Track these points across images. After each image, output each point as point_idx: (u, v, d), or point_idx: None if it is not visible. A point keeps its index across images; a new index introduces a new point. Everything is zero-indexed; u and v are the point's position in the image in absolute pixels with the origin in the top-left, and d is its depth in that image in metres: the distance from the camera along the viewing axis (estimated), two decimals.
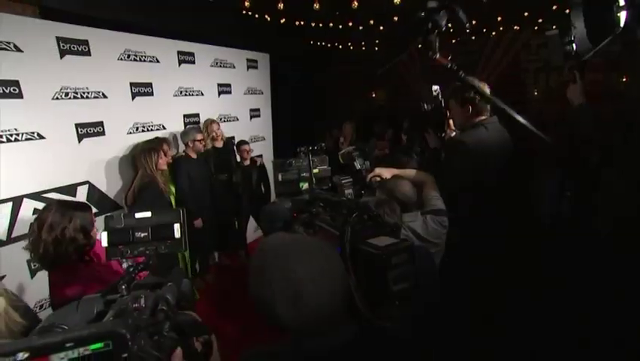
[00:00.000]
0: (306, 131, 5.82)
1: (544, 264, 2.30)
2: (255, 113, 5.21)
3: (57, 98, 2.87)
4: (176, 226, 1.04)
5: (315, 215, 1.00)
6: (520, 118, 0.98)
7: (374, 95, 7.35)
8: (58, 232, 1.60)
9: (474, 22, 4.82)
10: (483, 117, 1.90)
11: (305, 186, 1.91)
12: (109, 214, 1.06)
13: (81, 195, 3.08)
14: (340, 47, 6.59)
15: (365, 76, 7.04)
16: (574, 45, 1.42)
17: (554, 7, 3.92)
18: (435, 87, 2.02)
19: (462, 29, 5.34)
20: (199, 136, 3.70)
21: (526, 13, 4.41)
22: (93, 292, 0.87)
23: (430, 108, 2.03)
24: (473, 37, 5.96)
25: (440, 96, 2.04)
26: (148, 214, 1.05)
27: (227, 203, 4.11)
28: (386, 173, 1.80)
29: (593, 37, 1.33)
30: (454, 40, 6.12)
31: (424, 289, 0.76)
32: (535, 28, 5.24)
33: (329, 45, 6.48)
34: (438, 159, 1.99)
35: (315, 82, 6.99)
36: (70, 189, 3.00)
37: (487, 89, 1.95)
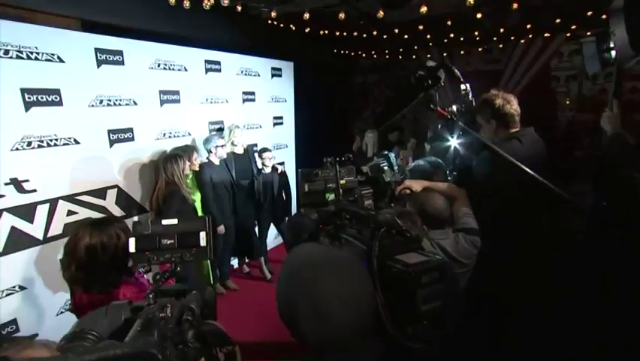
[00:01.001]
0: (329, 140, 5.83)
1: (569, 278, 2.21)
2: (278, 120, 5.25)
3: (92, 106, 3.00)
4: (202, 234, 1.04)
5: (341, 227, 0.99)
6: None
7: (396, 104, 7.32)
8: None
9: (501, 29, 4.72)
10: (516, 129, 1.84)
11: (331, 197, 1.89)
12: (136, 220, 1.09)
13: (110, 198, 3.19)
14: (364, 55, 6.60)
15: (388, 84, 7.02)
16: (613, 52, 1.36)
17: (589, 13, 3.78)
18: (464, 85, 1.94)
19: (488, 38, 5.24)
20: (220, 142, 3.79)
21: (558, 20, 4.28)
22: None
23: (460, 108, 1.94)
24: (501, 46, 5.84)
25: (470, 95, 1.97)
26: (174, 221, 1.07)
27: (248, 210, 4.15)
28: (416, 185, 1.74)
29: (635, 44, 1.27)
30: (480, 49, 6.02)
31: (449, 309, 0.73)
32: (568, 35, 5.09)
33: (353, 53, 6.50)
34: (469, 170, 1.93)
35: (338, 90, 7.01)
36: (101, 192, 3.11)
37: (513, 100, 1.91)
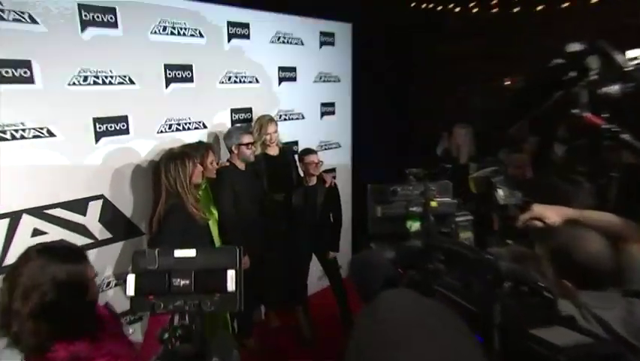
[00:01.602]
0: (403, 138, 5.78)
1: None
2: (328, 109, 5.31)
3: (74, 84, 3.17)
4: (231, 274, 1.06)
5: (434, 275, 0.96)
6: None
7: (508, 84, 7.06)
8: (35, 300, 1.48)
9: None
10: None
11: (415, 226, 1.87)
12: (139, 250, 1.11)
13: (93, 213, 3.36)
14: (458, 10, 6.44)
15: (490, 56, 6.81)
16: None
17: None
18: (632, 52, 1.72)
19: None
20: (246, 138, 3.88)
21: None
22: None
23: (624, 92, 1.73)
24: None
25: None
26: (191, 253, 1.10)
27: (281, 235, 4.20)
28: (553, 215, 1.62)
29: None
30: None
31: None
32: None
33: (438, 9, 6.38)
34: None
35: (416, 66, 6.94)
36: (80, 205, 3.28)
37: None
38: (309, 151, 4.29)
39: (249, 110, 4.40)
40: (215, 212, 3.77)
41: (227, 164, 3.91)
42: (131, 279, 1.07)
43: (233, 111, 4.29)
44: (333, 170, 5.28)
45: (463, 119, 5.50)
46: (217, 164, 3.80)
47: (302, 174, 4.33)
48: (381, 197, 2.08)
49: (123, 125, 3.47)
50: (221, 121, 4.19)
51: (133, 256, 1.10)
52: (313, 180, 4.24)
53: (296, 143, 4.90)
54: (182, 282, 1.06)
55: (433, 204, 1.92)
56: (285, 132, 4.59)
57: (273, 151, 4.22)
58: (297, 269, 4.44)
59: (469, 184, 1.90)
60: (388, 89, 6.30)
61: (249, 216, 3.89)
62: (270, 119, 4.18)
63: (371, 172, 5.04)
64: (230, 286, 1.05)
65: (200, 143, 3.73)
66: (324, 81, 5.22)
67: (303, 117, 5.02)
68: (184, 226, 3.24)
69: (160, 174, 3.35)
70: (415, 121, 6.74)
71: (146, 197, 3.60)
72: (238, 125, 4.22)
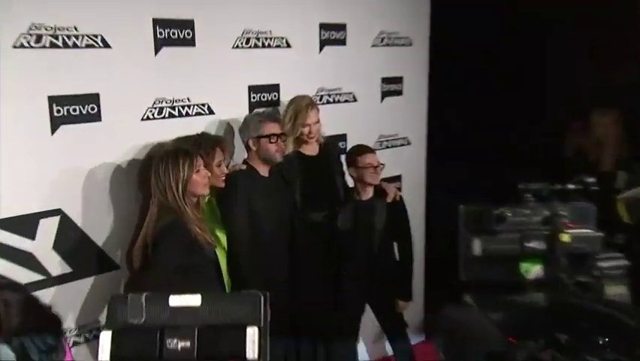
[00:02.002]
0: (510, 131, 5.66)
1: None
2: (392, 87, 5.30)
3: (22, 46, 3.24)
4: (252, 334, 1.05)
5: (569, 351, 0.94)
6: None
7: None
8: None
9: None
10: None
11: (535, 272, 1.84)
12: (117, 295, 1.10)
13: (45, 236, 3.39)
14: None
15: None
16: None
17: None
18: None
19: None
20: (271, 128, 3.89)
21: None
22: None
23: None
24: None
25: None
26: (195, 301, 1.09)
27: (320, 275, 4.20)
28: None
29: None
30: None
31: None
32: None
33: None
34: None
35: (525, 26, 6.79)
36: (26, 225, 3.32)
37: None
38: (364, 150, 4.27)
39: (276, 88, 4.43)
40: (222, 237, 3.78)
41: (243, 166, 3.93)
42: (105, 338, 1.06)
43: (253, 90, 4.31)
44: (397, 178, 5.29)
45: (608, 100, 5.34)
46: (227, 167, 3.81)
47: (352, 184, 4.33)
48: (480, 225, 2.03)
49: (92, 108, 3.51)
50: (235, 103, 4.23)
51: (109, 304, 1.08)
52: (369, 193, 4.23)
53: (343, 137, 4.91)
54: (181, 344, 1.05)
55: (565, 238, 1.87)
56: (328, 121, 4.54)
57: (311, 149, 4.23)
58: (343, 327, 4.42)
59: (616, 207, 1.87)
60: (487, 56, 6.16)
61: (272, 246, 3.90)
62: (310, 104, 4.17)
63: (458, 184, 5.03)
64: (251, 351, 1.03)
65: (202, 136, 3.75)
66: (386, 45, 5.20)
67: (355, 99, 5.03)
68: (184, 256, 3.28)
69: (149, 179, 3.41)
70: (532, 105, 6.54)
71: (126, 214, 3.66)
72: (259, 110, 4.24)
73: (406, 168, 5.43)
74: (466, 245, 2.06)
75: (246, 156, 4.01)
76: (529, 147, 5.90)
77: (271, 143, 3.88)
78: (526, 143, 5.68)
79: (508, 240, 2.13)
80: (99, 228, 3.61)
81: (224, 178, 3.69)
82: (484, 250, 2.14)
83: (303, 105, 4.14)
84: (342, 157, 4.47)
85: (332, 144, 4.59)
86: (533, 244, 2.07)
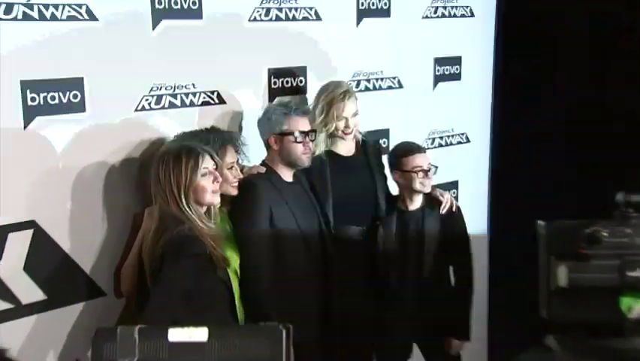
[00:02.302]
0: (596, 127, 5.54)
1: None
2: (447, 69, 5.29)
3: None
4: None
5: None
6: None
7: None
8: None
9: None
10: None
11: (639, 307, 1.76)
12: (104, 328, 1.16)
13: (14, 255, 3.34)
14: None
15: None
16: None
17: None
18: None
19: None
20: (300, 123, 3.82)
21: None
22: None
23: None
24: None
25: None
26: (201, 335, 1.13)
27: (357, 304, 4.15)
28: None
29: None
30: None
31: None
32: None
33: None
34: None
35: None
36: None
37: None
38: (411, 149, 4.20)
39: (302, 71, 4.42)
40: (232, 257, 3.66)
41: (262, 169, 3.86)
42: None
43: (274, 74, 4.30)
44: (453, 185, 5.28)
45: None
46: (242, 171, 3.76)
47: (396, 191, 4.30)
48: (566, 247, 1.96)
49: (75, 96, 3.47)
50: (251, 91, 4.22)
51: (93, 340, 1.13)
52: (417, 202, 4.20)
53: (385, 133, 4.91)
54: None
55: None
56: (367, 113, 4.52)
57: (347, 148, 4.21)
58: None
59: None
60: (572, 31, 6.05)
61: (298, 269, 3.82)
62: (346, 92, 4.13)
63: (532, 193, 4.91)
64: None
65: (211, 131, 3.70)
66: (441, 16, 5.20)
67: (400, 85, 5.03)
68: (195, 277, 3.20)
69: (148, 182, 3.38)
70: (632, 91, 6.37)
71: (117, 227, 3.63)
72: (284, 99, 4.18)
73: (464, 172, 5.43)
74: (548, 273, 1.99)
75: (264, 156, 3.94)
76: (630, 146, 5.74)
77: (297, 142, 3.81)
78: (624, 141, 5.51)
79: (605, 267, 2.06)
80: (82, 244, 3.56)
81: (236, 184, 3.64)
82: (571, 279, 2.07)
83: (337, 93, 4.10)
84: (384, 158, 4.42)
85: (371, 142, 4.52)
86: (638, 273, 2.00)
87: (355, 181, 4.23)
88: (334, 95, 4.09)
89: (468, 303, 4.34)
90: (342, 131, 4.10)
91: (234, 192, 3.65)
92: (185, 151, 3.29)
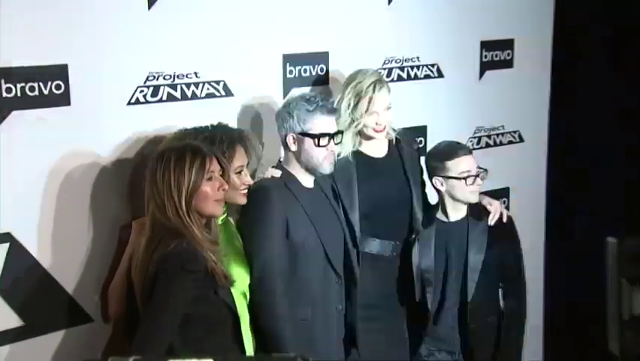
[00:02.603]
0: None
1: None
2: (496, 54, 5.28)
3: None
4: None
5: None
6: None
7: None
8: None
9: None
10: None
11: None
12: (92, 360, 1.14)
13: None
14: None
15: None
16: None
17: None
18: None
19: None
20: (325, 124, 3.80)
21: None
22: None
23: None
24: None
25: None
26: None
27: (389, 333, 4.18)
28: None
29: None
30: None
31: None
32: None
33: None
34: None
35: None
36: None
37: None
38: (455, 150, 4.21)
39: (323, 58, 4.44)
40: (240, 275, 3.66)
41: (277, 173, 3.86)
42: None
43: (289, 60, 4.33)
44: (503, 193, 5.30)
45: None
46: (253, 175, 3.76)
47: (435, 198, 4.31)
48: None
49: (57, 87, 3.50)
50: (264, 80, 4.23)
51: None
52: (460, 212, 4.22)
53: (422, 131, 4.94)
54: None
55: None
56: (400, 107, 4.53)
57: (377, 149, 4.23)
58: None
59: None
60: None
61: (319, 291, 3.83)
62: (378, 82, 4.12)
63: (600, 203, 4.93)
64: None
65: (217, 129, 3.68)
66: None
67: (440, 74, 5.04)
68: (196, 299, 3.18)
69: (142, 187, 3.36)
70: None
71: (105, 240, 3.66)
72: (308, 94, 4.11)
73: (516, 178, 5.43)
74: (619, 299, 2.01)
75: (280, 157, 3.95)
76: None
77: (320, 146, 3.79)
78: None
79: None
80: (66, 261, 3.58)
81: (245, 191, 3.62)
82: None
83: (368, 84, 4.09)
84: (422, 160, 4.41)
85: (406, 142, 4.50)
86: None
87: (387, 187, 4.23)
88: (363, 85, 4.08)
89: (520, 330, 4.31)
90: (373, 129, 4.10)
91: (243, 200, 3.63)
92: (189, 150, 3.25)
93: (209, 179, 3.25)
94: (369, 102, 4.06)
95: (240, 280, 3.63)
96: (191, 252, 3.14)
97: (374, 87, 4.08)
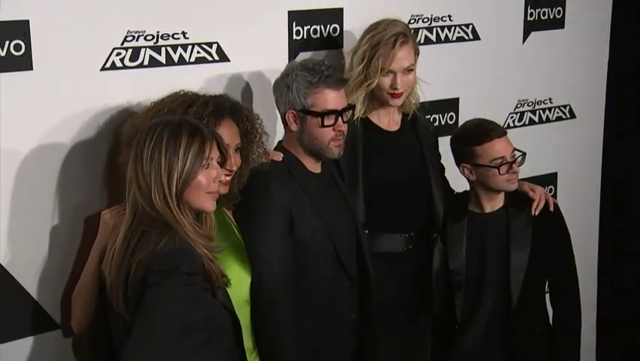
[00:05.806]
0: None
1: None
2: (543, 13, 5.22)
3: None
4: None
5: None
6: None
7: None
8: None
9: None
10: None
11: None
12: None
13: None
14: None
15: None
16: None
17: None
18: None
19: None
20: (333, 98, 3.69)
21: None
22: None
23: None
24: None
25: None
26: None
27: (409, 345, 4.21)
28: None
29: None
30: None
31: None
32: None
33: None
34: None
35: None
36: None
37: None
38: (487, 132, 4.11)
39: (337, 14, 4.39)
40: (238, 275, 3.63)
41: (279, 156, 3.77)
42: None
43: (295, 18, 4.28)
44: (551, 179, 5.29)
45: None
46: (246, 158, 3.64)
47: (462, 185, 4.25)
48: None
49: (17, 47, 3.45)
50: (264, 43, 4.19)
51: None
52: (497, 201, 4.16)
53: (453, 104, 4.91)
54: None
55: None
56: (427, 74, 4.45)
57: (389, 120, 4.19)
58: None
59: None
60: None
61: (328, 294, 3.79)
62: (400, 36, 4.06)
63: None
64: None
65: (209, 100, 3.56)
66: None
67: (476, 36, 5.01)
68: (192, 304, 3.08)
69: (121, 171, 3.29)
70: None
71: (73, 233, 3.61)
72: (310, 60, 4.02)
73: (566, 161, 5.39)
74: None
75: (282, 139, 3.89)
76: None
77: (325, 126, 3.70)
78: None
79: None
80: (28, 258, 3.55)
81: (228, 178, 3.45)
82: None
83: (389, 35, 4.03)
84: (449, 139, 4.31)
85: (422, 120, 4.47)
86: None
87: (399, 168, 4.19)
88: (383, 36, 4.03)
89: (574, 349, 4.27)
90: (387, 92, 4.03)
91: (223, 190, 3.41)
92: (187, 127, 3.13)
93: (207, 166, 3.15)
94: (386, 58, 4.00)
95: (241, 281, 3.64)
96: (186, 250, 3.06)
97: (395, 40, 4.03)
